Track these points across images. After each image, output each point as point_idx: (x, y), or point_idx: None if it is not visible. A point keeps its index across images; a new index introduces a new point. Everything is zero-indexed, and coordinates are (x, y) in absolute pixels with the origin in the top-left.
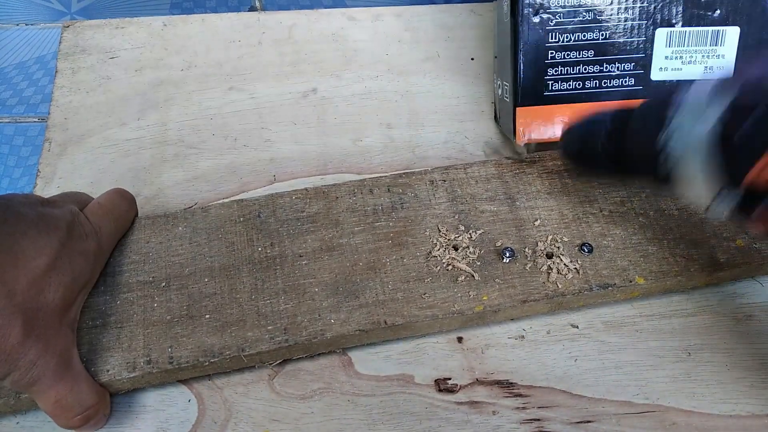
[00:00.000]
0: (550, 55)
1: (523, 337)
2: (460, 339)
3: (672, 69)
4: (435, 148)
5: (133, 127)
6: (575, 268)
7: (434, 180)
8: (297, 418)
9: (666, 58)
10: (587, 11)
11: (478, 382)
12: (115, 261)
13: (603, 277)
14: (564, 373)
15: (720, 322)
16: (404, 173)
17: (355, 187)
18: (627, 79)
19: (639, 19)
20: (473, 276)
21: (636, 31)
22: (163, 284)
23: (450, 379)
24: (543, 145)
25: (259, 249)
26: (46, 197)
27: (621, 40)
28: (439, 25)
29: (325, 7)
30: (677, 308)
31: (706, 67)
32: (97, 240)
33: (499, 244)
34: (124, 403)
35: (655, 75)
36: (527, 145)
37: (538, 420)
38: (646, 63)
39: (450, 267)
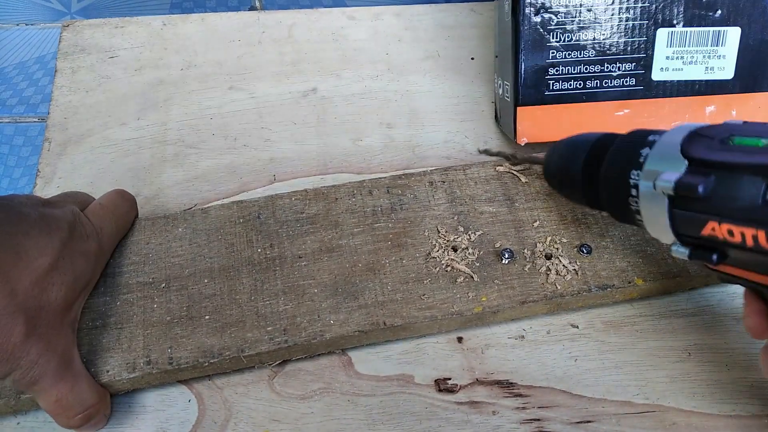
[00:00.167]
0: (551, 55)
1: (523, 337)
2: (460, 339)
3: (673, 69)
4: (435, 147)
5: (132, 126)
6: (574, 270)
7: (433, 181)
8: (297, 418)
9: (667, 58)
10: (588, 11)
11: (478, 382)
12: (115, 262)
13: (602, 278)
14: (564, 373)
15: (720, 322)
16: (403, 174)
17: (354, 188)
18: (628, 79)
19: (640, 19)
20: (472, 277)
21: (637, 31)
22: (163, 285)
23: (450, 379)
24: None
25: (259, 250)
26: (46, 198)
27: (622, 40)
28: (439, 25)
29: (325, 7)
30: (677, 308)
31: (707, 67)
32: (98, 240)
33: (498, 245)
34: (125, 404)
35: (656, 75)
36: (515, 157)
37: (538, 420)
38: (647, 63)
39: (449, 268)
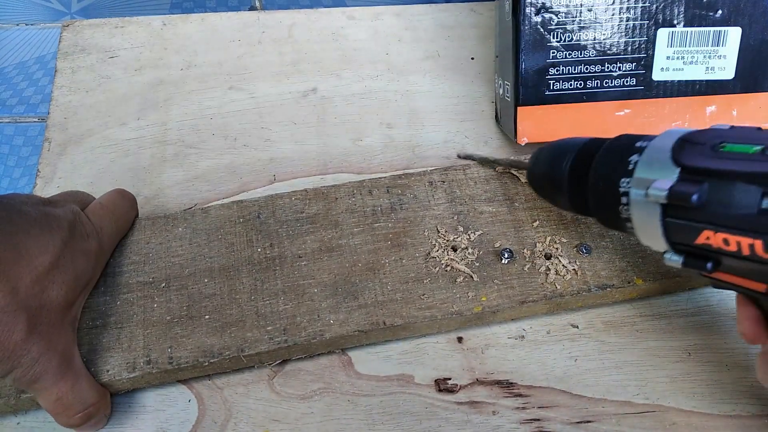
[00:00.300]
0: (551, 55)
1: (523, 337)
2: (460, 339)
3: (674, 69)
4: (435, 147)
5: (132, 126)
6: (574, 269)
7: (433, 181)
8: (297, 418)
9: (668, 58)
10: (588, 11)
11: (478, 382)
12: (115, 261)
13: (601, 278)
14: (564, 373)
15: (720, 322)
16: (403, 174)
17: (354, 188)
18: (628, 79)
19: (640, 19)
20: (472, 277)
21: (637, 31)
22: (163, 285)
23: (450, 379)
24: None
25: (259, 250)
26: (47, 197)
27: (623, 40)
28: (439, 25)
29: (325, 7)
30: (677, 308)
31: (707, 67)
32: (98, 240)
33: (498, 245)
34: (125, 404)
35: (657, 75)
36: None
37: (538, 420)
38: (647, 63)
39: (449, 268)
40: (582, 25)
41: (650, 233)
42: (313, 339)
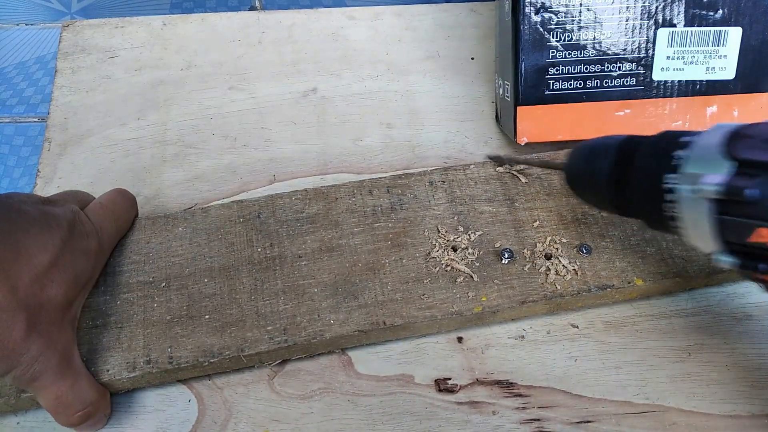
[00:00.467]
0: (551, 55)
1: (523, 337)
2: (460, 339)
3: (674, 69)
4: (435, 147)
5: (132, 126)
6: (574, 269)
7: (433, 181)
8: (297, 418)
9: (668, 58)
10: (588, 11)
11: (478, 382)
12: (115, 261)
13: (601, 278)
14: (564, 373)
15: (720, 322)
16: (403, 174)
17: (354, 188)
18: (628, 79)
19: (640, 19)
20: (472, 277)
21: (637, 31)
22: (163, 284)
23: (450, 379)
24: (543, 145)
25: (259, 249)
26: (46, 196)
27: (622, 39)
28: (439, 25)
29: (325, 7)
30: (677, 308)
31: (708, 67)
32: (98, 239)
33: (498, 245)
34: (125, 403)
35: (657, 75)
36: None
37: (538, 420)
38: (647, 63)
39: (449, 268)
40: (582, 24)
41: (699, 231)
42: (313, 339)
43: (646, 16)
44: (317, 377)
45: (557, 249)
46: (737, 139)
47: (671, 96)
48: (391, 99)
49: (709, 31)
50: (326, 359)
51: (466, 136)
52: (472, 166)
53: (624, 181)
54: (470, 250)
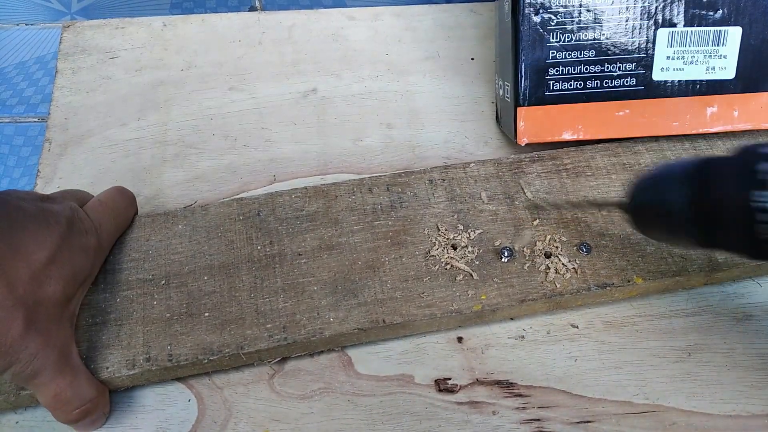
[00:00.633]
0: (551, 55)
1: (523, 337)
2: (460, 339)
3: (674, 69)
4: (435, 147)
5: (133, 127)
6: (573, 268)
7: (433, 179)
8: (297, 418)
9: (668, 58)
10: (588, 11)
11: (478, 382)
12: (115, 259)
13: (601, 276)
14: (564, 373)
15: (720, 322)
16: (403, 172)
17: (354, 186)
18: (628, 80)
19: (640, 19)
20: (472, 275)
21: (637, 31)
22: (163, 282)
23: (450, 379)
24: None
25: (259, 247)
26: (46, 194)
27: (622, 40)
28: (439, 25)
29: (325, 7)
30: (677, 308)
31: (708, 67)
32: (96, 236)
33: (498, 243)
34: (124, 403)
35: (657, 75)
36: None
37: (538, 420)
38: (647, 63)
39: (448, 266)
40: (581, 25)
41: None
42: (313, 337)
43: (645, 16)
44: (317, 377)
45: (557, 247)
46: None
47: (671, 96)
48: (391, 99)
49: (709, 31)
50: (326, 359)
51: (466, 136)
52: (472, 165)
53: (705, 210)
54: (470, 249)
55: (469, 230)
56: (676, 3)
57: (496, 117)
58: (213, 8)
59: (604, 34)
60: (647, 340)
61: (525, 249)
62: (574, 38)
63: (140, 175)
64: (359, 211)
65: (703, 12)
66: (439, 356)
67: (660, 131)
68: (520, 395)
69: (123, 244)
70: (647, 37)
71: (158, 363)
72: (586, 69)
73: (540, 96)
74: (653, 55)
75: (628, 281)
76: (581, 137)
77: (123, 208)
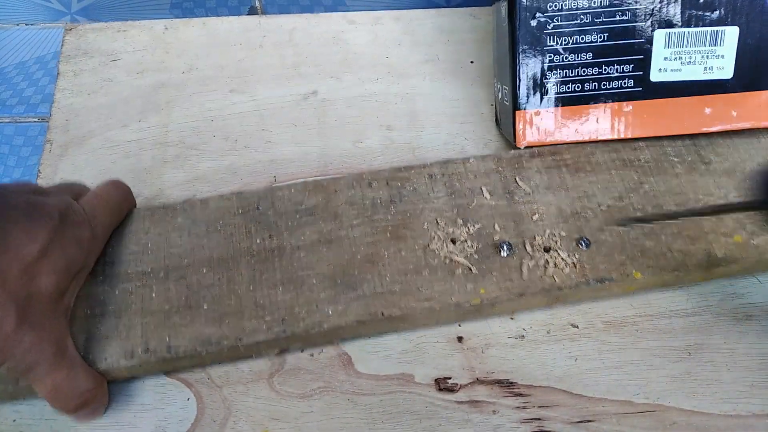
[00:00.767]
0: (548, 59)
1: (523, 336)
2: (460, 338)
3: (671, 70)
4: (435, 149)
5: (134, 128)
6: (573, 262)
7: (433, 174)
8: (297, 417)
9: (665, 59)
10: (584, 14)
11: (479, 381)
12: (114, 251)
13: (600, 271)
14: (564, 373)
15: (720, 322)
16: (403, 167)
17: (354, 180)
18: (626, 81)
19: (637, 21)
20: (471, 269)
21: (635, 33)
22: (162, 275)
23: (450, 378)
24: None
25: (258, 241)
26: (41, 186)
27: (619, 41)
28: (438, 29)
29: (325, 7)
30: (677, 308)
31: (705, 67)
32: (90, 228)
33: (497, 238)
34: (123, 402)
35: (655, 76)
36: None
37: (539, 419)
38: (645, 64)
39: (447, 260)
40: (578, 27)
41: None
42: (312, 329)
43: (642, 17)
44: (317, 376)
45: (556, 242)
46: None
47: (669, 96)
48: (391, 101)
49: (707, 32)
50: (326, 358)
51: (465, 138)
52: (471, 160)
53: None
54: (469, 243)
55: (469, 225)
56: (673, 4)
57: (496, 120)
58: (213, 8)
59: (601, 37)
60: (647, 340)
61: (525, 243)
62: (571, 41)
63: (141, 176)
64: (359, 206)
65: (700, 12)
66: (439, 355)
67: (659, 132)
68: (520, 395)
69: (122, 237)
70: (644, 38)
71: (157, 354)
72: (584, 71)
73: (538, 100)
74: (651, 56)
75: (627, 276)
76: (580, 139)
77: (118, 200)
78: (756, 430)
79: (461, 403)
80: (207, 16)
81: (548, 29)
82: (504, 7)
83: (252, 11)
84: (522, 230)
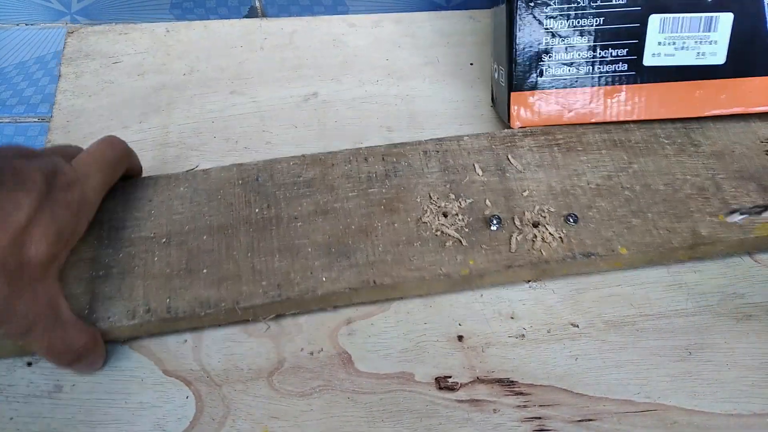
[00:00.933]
0: (545, 41)
1: (523, 336)
2: (460, 337)
3: (665, 55)
4: None
5: (134, 129)
6: (560, 237)
7: (428, 150)
8: (296, 416)
9: (659, 44)
10: None
11: (479, 380)
12: (119, 217)
13: (587, 246)
14: (565, 372)
15: (720, 322)
16: (399, 143)
17: (350, 155)
18: (620, 65)
19: (633, 5)
20: (461, 241)
21: (630, 18)
22: (164, 240)
23: (450, 377)
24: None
25: (257, 210)
26: (30, 148)
27: (615, 26)
28: (438, 31)
29: (325, 8)
30: (677, 308)
31: (698, 53)
32: (81, 189)
33: (488, 212)
34: (122, 400)
35: (648, 61)
36: None
37: (539, 418)
38: (639, 49)
39: (439, 233)
40: (576, 10)
41: None
42: (306, 294)
43: (638, 2)
44: (317, 374)
45: (545, 217)
46: None
47: (661, 81)
48: (391, 103)
49: (701, 17)
50: (326, 357)
51: (470, 133)
52: (465, 138)
53: None
54: (460, 217)
55: (461, 199)
56: None
57: (492, 99)
58: (213, 8)
59: (597, 21)
60: (648, 340)
61: (515, 218)
62: (567, 24)
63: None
64: (354, 179)
65: None
66: (440, 354)
67: (651, 115)
68: (521, 393)
69: (127, 204)
70: (639, 23)
71: (157, 314)
72: (579, 55)
73: (534, 81)
74: (645, 40)
75: (613, 251)
76: (574, 121)
77: (112, 159)
78: (756, 430)
79: (461, 401)
80: (207, 15)
81: (546, 11)
82: None
83: (252, 11)
84: (512, 205)
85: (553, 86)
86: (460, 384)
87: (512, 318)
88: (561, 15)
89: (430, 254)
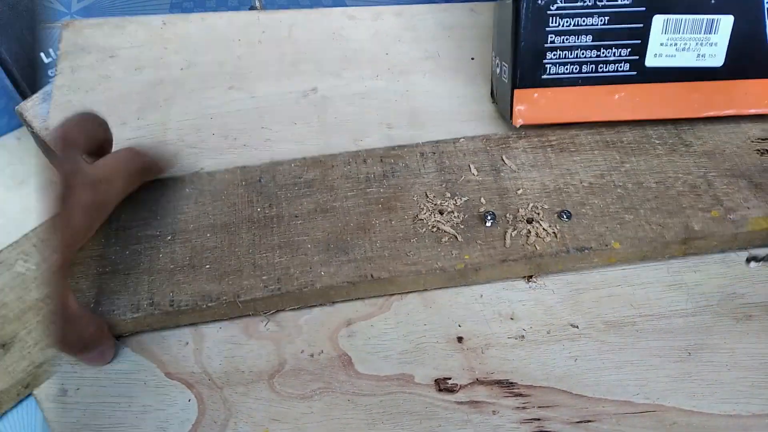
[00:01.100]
0: (549, 39)
1: (523, 337)
2: (460, 339)
3: (666, 56)
4: None
5: (132, 126)
6: (554, 232)
7: (424, 152)
8: (297, 418)
9: (661, 44)
10: None
11: (478, 381)
12: (127, 217)
13: (580, 241)
14: (564, 373)
15: (720, 322)
16: (397, 146)
17: (350, 157)
18: (622, 65)
19: (637, 6)
20: (456, 237)
21: (634, 18)
22: (169, 238)
23: (450, 378)
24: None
25: (258, 209)
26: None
27: (619, 26)
28: (440, 25)
29: (325, 6)
30: (677, 308)
31: (698, 54)
32: (96, 192)
33: (483, 209)
34: (124, 402)
35: (650, 61)
36: None
37: (539, 420)
38: (641, 49)
39: (435, 229)
40: (580, 10)
41: None
42: (305, 288)
43: (642, 3)
44: (317, 377)
45: (539, 214)
46: None
47: (661, 81)
48: (392, 99)
49: (703, 19)
50: (326, 359)
51: (466, 135)
52: (461, 140)
53: None
54: (456, 214)
55: (456, 198)
56: None
57: (491, 94)
58: (213, 7)
59: (602, 20)
60: (647, 340)
61: (508, 215)
62: (572, 23)
63: None
64: (353, 179)
65: (698, 0)
66: (439, 356)
67: (650, 115)
68: (520, 395)
69: (134, 204)
70: (642, 23)
71: (161, 308)
72: (583, 54)
73: (537, 79)
74: (647, 41)
75: (606, 245)
76: (575, 120)
77: (135, 169)
78: (756, 430)
79: (461, 403)
80: None
81: (552, 10)
82: None
83: (252, 10)
84: (506, 203)
85: (556, 85)
86: (460, 386)
87: (512, 319)
88: (567, 13)
89: (426, 249)
